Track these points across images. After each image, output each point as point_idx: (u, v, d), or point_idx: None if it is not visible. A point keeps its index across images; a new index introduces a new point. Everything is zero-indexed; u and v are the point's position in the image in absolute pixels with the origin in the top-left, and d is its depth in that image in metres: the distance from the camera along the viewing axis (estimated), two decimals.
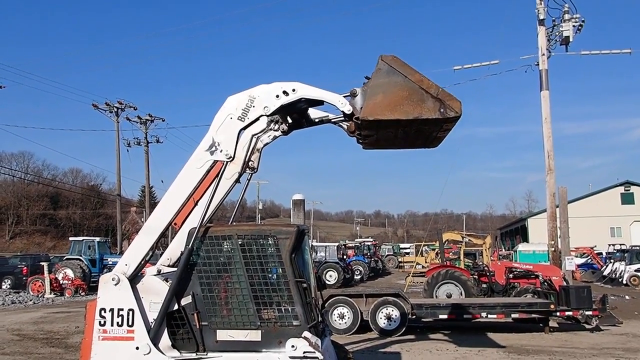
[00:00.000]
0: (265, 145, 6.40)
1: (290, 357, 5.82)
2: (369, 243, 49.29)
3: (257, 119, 6.22)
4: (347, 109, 6.06)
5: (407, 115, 5.78)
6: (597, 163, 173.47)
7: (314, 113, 6.52)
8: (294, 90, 6.12)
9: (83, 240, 32.56)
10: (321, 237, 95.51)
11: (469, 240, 26.51)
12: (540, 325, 14.63)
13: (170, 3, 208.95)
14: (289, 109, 6.26)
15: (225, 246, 6.19)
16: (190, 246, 5.95)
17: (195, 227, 6.01)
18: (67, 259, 30.57)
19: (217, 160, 6.20)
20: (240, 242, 6.12)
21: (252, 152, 6.29)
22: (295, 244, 6.09)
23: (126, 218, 68.02)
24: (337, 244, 39.33)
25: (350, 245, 46.21)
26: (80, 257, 30.19)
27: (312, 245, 35.72)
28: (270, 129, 6.29)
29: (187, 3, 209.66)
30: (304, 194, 20.84)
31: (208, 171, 6.22)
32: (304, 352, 5.80)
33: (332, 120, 6.47)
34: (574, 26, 23.69)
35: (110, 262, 29.21)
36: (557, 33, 24.08)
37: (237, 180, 6.37)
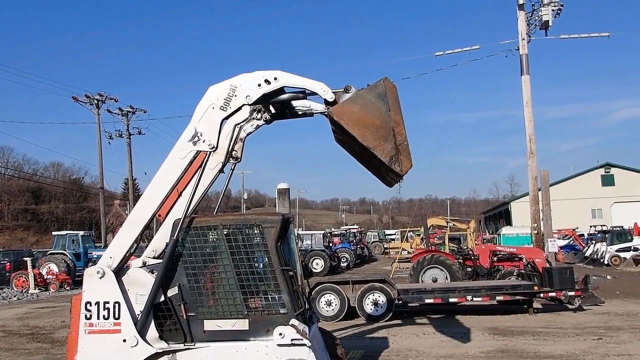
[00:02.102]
0: (248, 134, 6.38)
1: (278, 345, 5.87)
2: (355, 230, 49.45)
3: (240, 108, 6.20)
4: (330, 97, 6.10)
5: (362, 139, 5.85)
6: (578, 146, 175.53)
7: (297, 104, 6.51)
8: (275, 78, 6.12)
9: (66, 234, 32.21)
10: (307, 226, 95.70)
11: (454, 225, 26.72)
12: (525, 306, 14.84)
13: None
14: (271, 98, 6.25)
15: (211, 236, 6.20)
16: (175, 237, 5.94)
17: (180, 218, 5.99)
18: (51, 253, 30.24)
19: (200, 151, 6.18)
20: (225, 232, 6.14)
21: (235, 141, 6.28)
22: (280, 232, 6.12)
23: (110, 211, 67.48)
24: (322, 232, 39.44)
25: (336, 232, 46.35)
26: (64, 252, 29.89)
27: (297, 233, 35.78)
28: (253, 118, 6.27)
29: None
30: (289, 182, 20.82)
31: (191, 162, 6.20)
32: (292, 340, 5.86)
33: (315, 112, 6.47)
34: (553, 10, 23.84)
35: (95, 256, 28.96)
36: (536, 17, 24.22)
37: (221, 170, 6.36)
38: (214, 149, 6.18)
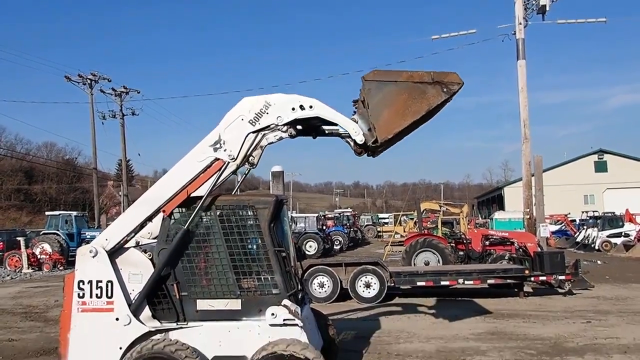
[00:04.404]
0: (269, 143, 6.28)
1: (271, 325, 5.93)
2: (348, 213, 49.56)
3: (268, 127, 6.12)
4: (360, 139, 6.10)
5: (419, 114, 5.93)
6: (573, 132, 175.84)
7: (327, 128, 6.50)
8: (311, 106, 6.09)
9: (60, 214, 32.12)
10: (300, 209, 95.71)
11: (447, 209, 26.76)
12: (515, 290, 14.97)
13: None
14: (301, 123, 6.24)
15: (204, 217, 6.21)
16: (186, 227, 5.97)
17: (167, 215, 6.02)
18: (44, 233, 30.21)
19: (219, 159, 6.13)
20: (219, 213, 6.15)
21: (255, 148, 6.22)
22: (273, 213, 6.15)
23: (103, 192, 67.27)
24: (316, 215, 39.50)
25: (329, 216, 46.45)
26: (58, 232, 29.85)
27: (291, 216, 35.85)
28: (279, 129, 6.19)
29: None
30: (283, 165, 20.76)
31: (208, 166, 6.14)
32: (284, 320, 5.91)
33: (342, 135, 6.42)
34: None
35: (89, 236, 28.94)
36: (533, 2, 24.09)
37: (234, 172, 6.34)
38: (234, 159, 6.14)
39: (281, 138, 6.25)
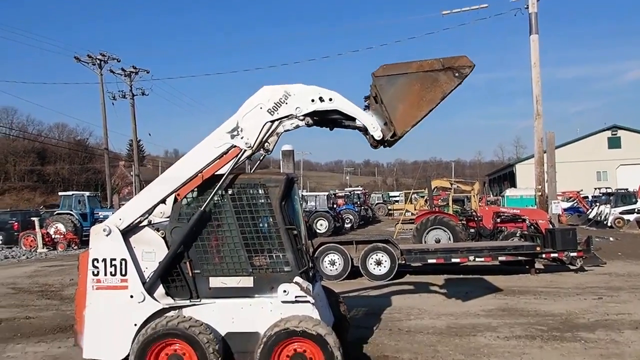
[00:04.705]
0: (285, 131, 6.29)
1: (282, 302, 6.00)
2: (359, 192, 49.57)
3: (286, 116, 6.13)
4: (378, 135, 6.10)
5: (434, 102, 5.97)
6: (586, 108, 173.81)
7: (345, 122, 6.46)
8: (331, 99, 6.08)
9: (73, 194, 32.42)
10: (311, 187, 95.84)
11: (458, 186, 26.69)
12: (527, 267, 14.96)
13: None
14: (319, 115, 6.22)
15: (216, 196, 6.25)
16: (202, 208, 6.02)
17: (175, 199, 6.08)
18: (58, 213, 30.56)
19: (236, 146, 6.13)
20: (230, 192, 6.20)
21: (271, 134, 6.22)
22: (284, 191, 6.20)
23: (115, 172, 67.79)
24: (327, 193, 39.53)
25: (340, 194, 46.49)
26: (71, 212, 30.18)
27: (302, 195, 35.97)
28: (296, 117, 6.19)
29: None
30: (293, 144, 20.75)
31: (224, 152, 6.16)
32: (296, 297, 5.98)
33: (360, 129, 6.38)
34: None
35: (102, 216, 29.21)
36: None
37: (249, 158, 6.37)
38: (250, 147, 6.15)
39: (298, 126, 6.28)
